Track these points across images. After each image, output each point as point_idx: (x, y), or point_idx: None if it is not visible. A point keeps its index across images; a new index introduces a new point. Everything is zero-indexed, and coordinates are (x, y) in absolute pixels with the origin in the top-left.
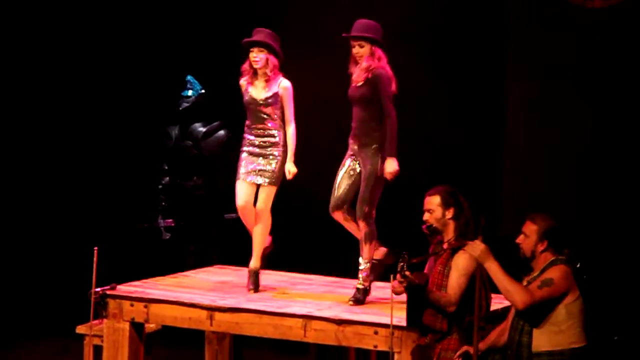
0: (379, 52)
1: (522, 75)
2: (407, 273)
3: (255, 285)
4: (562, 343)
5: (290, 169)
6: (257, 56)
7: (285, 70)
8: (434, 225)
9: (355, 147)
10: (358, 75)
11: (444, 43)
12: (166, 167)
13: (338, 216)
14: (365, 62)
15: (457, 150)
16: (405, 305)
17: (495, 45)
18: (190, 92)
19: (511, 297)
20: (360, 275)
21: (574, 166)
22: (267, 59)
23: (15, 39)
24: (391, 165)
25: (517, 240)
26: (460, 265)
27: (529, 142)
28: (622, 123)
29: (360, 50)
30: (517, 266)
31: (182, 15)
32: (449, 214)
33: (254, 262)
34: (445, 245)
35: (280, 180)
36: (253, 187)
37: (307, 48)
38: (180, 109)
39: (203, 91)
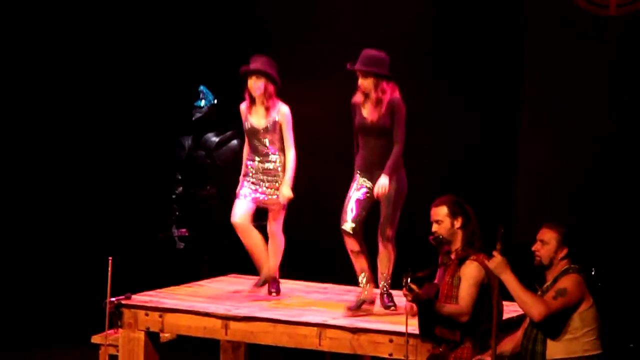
0: (383, 84)
1: (537, 83)
2: (413, 286)
3: (277, 289)
4: (576, 351)
5: (286, 193)
6: (256, 84)
7: (285, 95)
8: (442, 236)
9: (371, 171)
10: (371, 109)
11: (459, 49)
12: (179, 177)
13: (351, 244)
14: (373, 95)
15: (471, 159)
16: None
17: (511, 54)
18: (203, 102)
19: (528, 309)
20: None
21: (589, 174)
22: (265, 87)
23: (28, 53)
24: (384, 181)
25: (534, 248)
26: (469, 274)
27: (543, 150)
28: (638, 129)
29: (364, 82)
30: (532, 275)
31: (195, 26)
32: (458, 223)
33: (272, 271)
34: (453, 256)
35: (286, 204)
36: (253, 206)
37: (314, 67)
38: (193, 119)
39: (216, 101)
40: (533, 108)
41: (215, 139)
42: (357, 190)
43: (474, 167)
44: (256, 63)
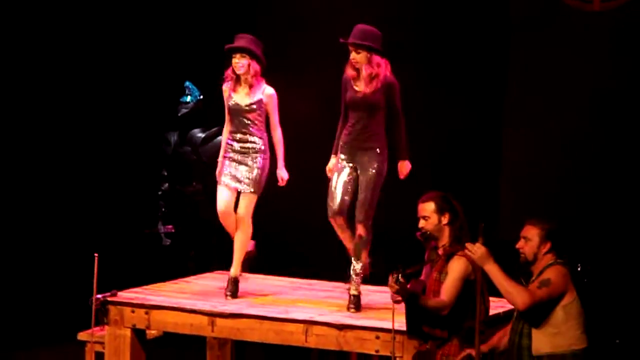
0: (376, 59)
1: (521, 80)
2: (402, 280)
3: (233, 292)
4: (561, 345)
5: (283, 175)
6: (240, 62)
7: (272, 77)
8: (429, 232)
9: (353, 151)
10: (364, 84)
11: (443, 49)
12: (165, 173)
13: (339, 222)
14: (365, 70)
15: (454, 156)
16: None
17: (496, 51)
18: (188, 98)
19: (512, 299)
20: (352, 281)
21: (572, 171)
22: (249, 65)
23: (13, 47)
24: (405, 167)
25: (517, 246)
26: (455, 269)
27: (526, 147)
28: (621, 127)
29: (357, 56)
30: (517, 272)
31: (180, 21)
32: (445, 219)
33: (234, 269)
34: (440, 251)
35: (261, 188)
36: (234, 192)
37: (300, 53)
38: (179, 115)
39: (201, 97)
40: (516, 105)
41: (201, 135)
42: (340, 172)
43: (458, 164)
44: (240, 41)
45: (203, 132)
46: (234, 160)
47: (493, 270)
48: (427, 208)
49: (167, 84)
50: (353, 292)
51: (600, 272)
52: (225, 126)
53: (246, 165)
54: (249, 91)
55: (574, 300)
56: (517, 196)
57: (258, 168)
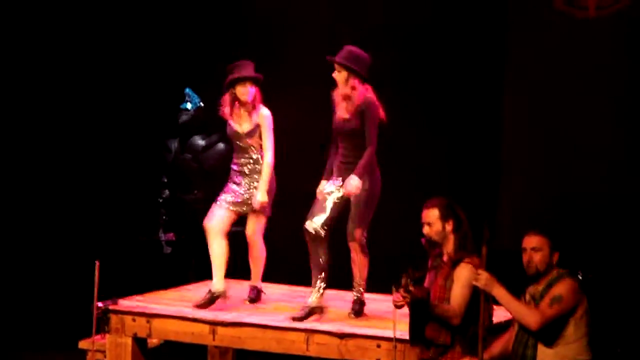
0: (353, 81)
1: (520, 86)
2: (411, 288)
3: (252, 299)
4: (567, 356)
5: (260, 198)
6: (248, 90)
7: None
8: (434, 239)
9: (346, 173)
10: (344, 109)
11: (440, 50)
12: (166, 181)
13: (320, 233)
14: (340, 89)
15: (453, 164)
16: (407, 320)
17: (493, 57)
18: (189, 105)
19: (524, 320)
20: (355, 290)
21: (572, 179)
22: (255, 93)
23: (14, 55)
24: (356, 182)
25: (527, 258)
26: (462, 277)
27: (526, 154)
28: (621, 133)
29: (337, 75)
30: (519, 281)
31: (181, 28)
32: (449, 226)
33: (255, 281)
34: (445, 258)
35: (270, 209)
36: (232, 216)
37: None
38: (180, 122)
39: (202, 104)
40: (517, 112)
41: (202, 142)
42: (327, 190)
43: (457, 171)
44: (245, 70)
45: (203, 139)
46: (239, 185)
47: (501, 294)
48: (431, 214)
49: (167, 91)
50: (355, 296)
51: (602, 280)
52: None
53: (251, 187)
54: (248, 117)
55: (585, 312)
56: (516, 205)
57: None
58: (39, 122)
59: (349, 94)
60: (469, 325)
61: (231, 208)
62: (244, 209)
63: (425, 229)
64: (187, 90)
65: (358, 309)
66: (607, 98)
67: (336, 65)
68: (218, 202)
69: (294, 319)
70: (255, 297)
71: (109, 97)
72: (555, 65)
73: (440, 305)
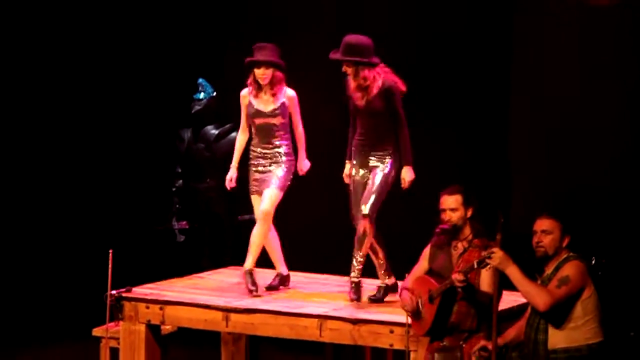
0: (364, 72)
1: (527, 70)
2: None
3: (253, 283)
4: (578, 339)
5: (303, 166)
6: (265, 74)
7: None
8: (457, 224)
9: (364, 156)
10: (359, 96)
11: (448, 41)
12: (179, 170)
13: (367, 221)
14: (353, 82)
15: (464, 150)
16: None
17: (500, 38)
18: (202, 95)
19: (533, 300)
20: (353, 269)
21: (582, 162)
22: (273, 75)
23: (27, 43)
24: (409, 174)
25: (536, 239)
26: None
27: (535, 140)
28: (628, 119)
29: (347, 69)
30: (530, 265)
31: (194, 18)
32: (470, 212)
33: (250, 264)
34: (464, 244)
35: (286, 187)
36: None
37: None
38: (193, 111)
39: (215, 94)
40: (523, 96)
41: (215, 132)
42: (354, 180)
43: (468, 158)
44: (263, 53)
45: (216, 128)
46: (259, 166)
47: (514, 273)
48: (455, 200)
49: (180, 81)
50: (353, 279)
51: (615, 265)
52: (240, 132)
53: (272, 168)
54: (273, 98)
55: (592, 294)
56: (529, 190)
57: (283, 169)
58: (56, 114)
59: (362, 84)
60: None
61: (261, 193)
62: (265, 186)
63: (447, 215)
64: (201, 80)
65: (354, 295)
66: (619, 87)
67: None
68: (252, 195)
69: (371, 299)
70: (278, 284)
71: (123, 89)
72: (564, 49)
73: (485, 292)
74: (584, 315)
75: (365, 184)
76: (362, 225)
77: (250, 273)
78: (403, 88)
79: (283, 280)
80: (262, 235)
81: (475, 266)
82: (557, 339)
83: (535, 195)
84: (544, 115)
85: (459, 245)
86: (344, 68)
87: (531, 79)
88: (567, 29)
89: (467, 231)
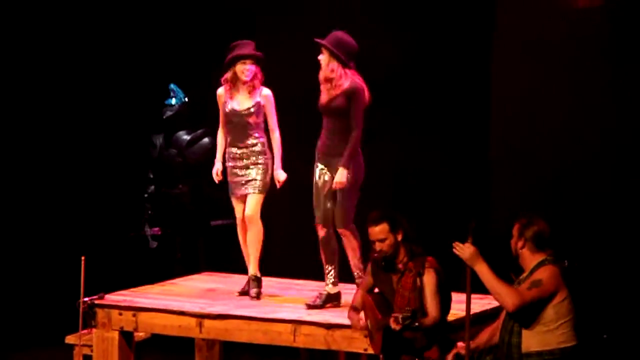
0: (334, 64)
1: (509, 66)
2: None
3: (257, 291)
4: (551, 343)
5: (279, 177)
6: (249, 68)
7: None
8: (389, 253)
9: (327, 157)
10: (326, 91)
11: (429, 30)
12: (151, 176)
13: (323, 232)
14: (322, 71)
15: (444, 152)
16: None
17: (482, 28)
18: (173, 101)
19: (501, 299)
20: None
21: (563, 163)
22: (256, 71)
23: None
24: (342, 176)
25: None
26: (431, 282)
27: (516, 141)
28: (612, 120)
29: (322, 58)
30: (508, 266)
31: (166, 24)
32: (400, 236)
33: (253, 268)
34: (401, 267)
35: (267, 188)
36: (244, 199)
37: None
38: (164, 117)
39: (186, 99)
40: (505, 96)
41: (187, 137)
42: (318, 180)
43: (447, 161)
44: (248, 48)
45: (188, 134)
46: (235, 167)
47: (482, 270)
48: (382, 229)
49: (152, 87)
50: (326, 290)
51: (588, 268)
52: (220, 128)
53: (249, 168)
54: (248, 95)
55: (565, 298)
56: (510, 191)
57: (262, 170)
58: (25, 118)
59: (329, 76)
60: (441, 324)
61: (240, 194)
62: (246, 190)
63: (378, 246)
64: (172, 85)
65: (324, 299)
66: (601, 86)
67: (322, 48)
68: (232, 196)
69: (310, 306)
70: (257, 293)
71: (94, 94)
72: (548, 43)
73: (426, 320)
74: (556, 319)
75: (326, 185)
76: (344, 235)
77: (255, 278)
78: (367, 98)
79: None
80: (257, 238)
81: (400, 322)
82: (530, 342)
83: (515, 196)
84: (524, 114)
85: (397, 268)
86: (320, 55)
87: (514, 70)
88: (548, 27)
89: (401, 255)
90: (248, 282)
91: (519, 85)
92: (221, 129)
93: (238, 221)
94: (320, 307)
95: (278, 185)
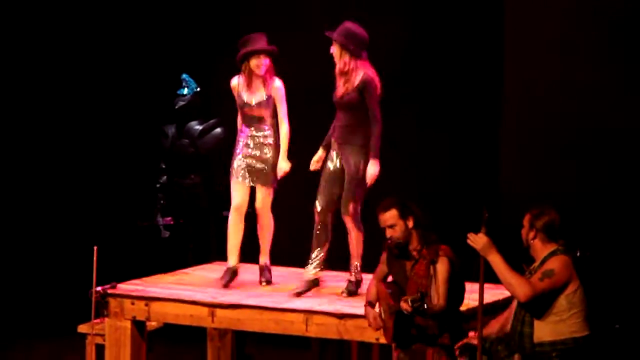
0: (346, 57)
1: (521, 57)
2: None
3: (267, 279)
4: (563, 332)
5: (283, 167)
6: (263, 62)
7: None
8: (400, 240)
9: (340, 146)
10: (341, 84)
11: (438, 36)
12: (164, 166)
13: (322, 217)
14: (336, 65)
15: (456, 143)
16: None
17: (493, 21)
18: (185, 91)
19: (513, 290)
20: (352, 270)
21: (574, 154)
22: (270, 65)
23: (11, 39)
24: (373, 168)
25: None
26: (443, 271)
27: (527, 132)
28: (625, 113)
29: (334, 50)
30: (520, 257)
31: (177, 14)
32: (410, 223)
33: (263, 257)
34: (415, 254)
35: (276, 181)
36: (247, 188)
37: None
38: (177, 107)
39: (199, 89)
40: (517, 89)
41: (199, 127)
42: (330, 165)
43: (458, 151)
44: (260, 42)
45: (200, 124)
46: (246, 156)
47: (495, 261)
48: (391, 216)
49: (164, 77)
50: (351, 278)
51: (600, 257)
52: (238, 119)
53: (259, 159)
54: (261, 88)
55: (577, 289)
56: (521, 181)
57: (271, 162)
58: (38, 110)
59: (342, 69)
60: (451, 309)
61: (245, 181)
62: (254, 182)
63: (389, 232)
64: (184, 75)
65: (353, 289)
66: (610, 76)
67: (333, 40)
68: (233, 177)
69: (296, 294)
70: (268, 278)
71: (106, 85)
72: (559, 33)
73: (435, 306)
74: (568, 308)
75: (335, 175)
76: (348, 223)
77: (265, 268)
78: (379, 89)
79: (234, 275)
80: (268, 230)
81: (410, 304)
82: (543, 332)
83: (526, 187)
84: (536, 111)
85: (412, 255)
86: (332, 48)
87: (525, 61)
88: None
89: (414, 242)
90: (264, 269)
91: (531, 77)
92: (239, 119)
93: (233, 208)
94: (305, 292)
95: (279, 175)
